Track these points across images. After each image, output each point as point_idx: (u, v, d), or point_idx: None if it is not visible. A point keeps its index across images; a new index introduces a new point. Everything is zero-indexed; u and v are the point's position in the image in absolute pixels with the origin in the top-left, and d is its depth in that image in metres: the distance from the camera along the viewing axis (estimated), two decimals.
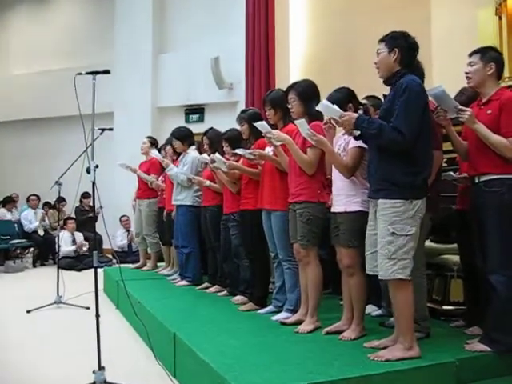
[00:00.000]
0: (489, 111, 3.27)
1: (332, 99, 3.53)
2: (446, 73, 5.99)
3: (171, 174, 6.09)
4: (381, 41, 3.19)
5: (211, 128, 5.66)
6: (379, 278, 3.09)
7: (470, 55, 3.39)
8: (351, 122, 3.10)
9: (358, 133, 3.15)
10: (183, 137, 6.17)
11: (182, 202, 5.98)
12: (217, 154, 4.94)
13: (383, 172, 3.06)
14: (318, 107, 3.35)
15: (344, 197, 3.54)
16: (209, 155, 5.32)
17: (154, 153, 6.63)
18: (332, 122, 3.46)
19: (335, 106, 3.22)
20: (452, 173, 3.73)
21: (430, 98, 3.19)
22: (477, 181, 3.30)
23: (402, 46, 3.12)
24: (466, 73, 3.38)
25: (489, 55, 3.34)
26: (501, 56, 3.41)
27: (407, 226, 2.98)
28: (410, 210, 2.98)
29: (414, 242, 3.02)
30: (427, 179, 3.11)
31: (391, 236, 2.98)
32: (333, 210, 3.65)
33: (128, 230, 10.11)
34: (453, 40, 7.30)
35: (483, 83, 3.35)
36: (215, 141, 5.37)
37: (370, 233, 3.20)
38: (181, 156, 6.23)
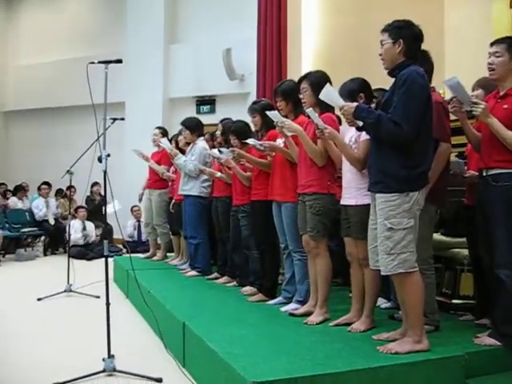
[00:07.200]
0: (505, 106, 3.18)
1: (346, 88, 3.56)
2: (458, 66, 5.95)
3: (179, 164, 6.04)
4: (384, 31, 3.09)
5: (228, 118, 5.65)
6: (381, 273, 3.08)
7: (493, 44, 3.22)
8: (350, 112, 3.06)
9: (360, 123, 3.11)
10: (193, 127, 6.14)
11: (189, 192, 5.95)
12: (223, 149, 4.94)
13: (380, 164, 3.04)
14: (321, 95, 3.29)
15: (354, 189, 3.52)
16: (220, 144, 5.34)
17: (164, 142, 6.58)
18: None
19: (337, 95, 3.20)
20: (458, 159, 3.62)
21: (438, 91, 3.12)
22: (484, 174, 3.25)
23: (407, 36, 3.03)
24: (490, 63, 3.22)
25: None
26: None
27: (404, 219, 2.94)
28: (406, 203, 2.94)
29: (412, 234, 2.98)
30: (426, 172, 3.06)
31: (388, 231, 2.96)
32: (343, 202, 3.64)
33: (139, 221, 10.02)
34: (466, 33, 7.23)
35: (506, 76, 3.22)
36: (227, 130, 5.35)
37: (371, 227, 3.18)
38: (189, 147, 6.22)
